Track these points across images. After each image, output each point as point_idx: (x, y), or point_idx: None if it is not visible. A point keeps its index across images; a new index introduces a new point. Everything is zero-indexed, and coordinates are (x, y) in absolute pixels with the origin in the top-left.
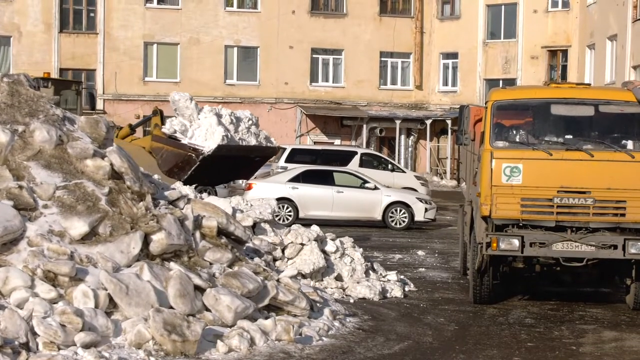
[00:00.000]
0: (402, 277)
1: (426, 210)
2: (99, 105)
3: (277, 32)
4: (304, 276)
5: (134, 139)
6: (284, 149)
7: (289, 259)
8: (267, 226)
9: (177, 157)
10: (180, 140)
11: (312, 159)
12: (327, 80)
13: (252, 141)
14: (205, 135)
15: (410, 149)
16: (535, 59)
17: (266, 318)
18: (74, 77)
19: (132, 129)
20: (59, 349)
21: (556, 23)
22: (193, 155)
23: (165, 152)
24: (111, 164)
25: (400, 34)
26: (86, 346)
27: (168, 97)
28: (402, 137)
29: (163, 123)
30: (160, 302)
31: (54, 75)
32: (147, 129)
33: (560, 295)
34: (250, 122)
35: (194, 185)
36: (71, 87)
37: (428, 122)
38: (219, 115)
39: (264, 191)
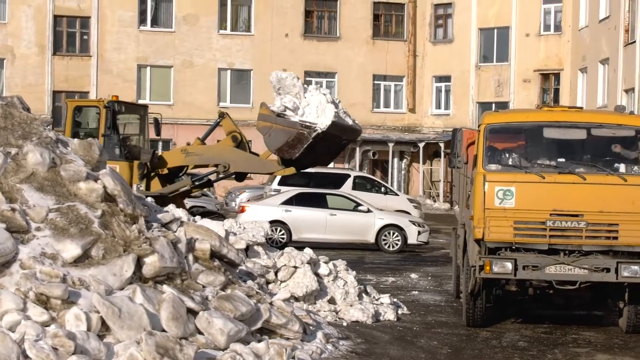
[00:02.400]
0: (395, 300)
1: (419, 233)
2: None
3: (271, 55)
4: (296, 299)
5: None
6: None
7: (282, 281)
8: (260, 249)
9: (288, 135)
10: (289, 118)
11: (305, 181)
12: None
13: (349, 121)
14: (316, 112)
15: (403, 172)
16: (527, 82)
17: (259, 341)
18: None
19: (202, 140)
20: None
21: (548, 47)
22: (305, 132)
23: (274, 130)
24: (104, 187)
25: (393, 57)
26: None
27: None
28: (395, 159)
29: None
30: (153, 325)
31: (47, 98)
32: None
33: (554, 318)
34: (341, 103)
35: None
36: (140, 112)
37: (421, 145)
38: (324, 94)
39: (257, 214)
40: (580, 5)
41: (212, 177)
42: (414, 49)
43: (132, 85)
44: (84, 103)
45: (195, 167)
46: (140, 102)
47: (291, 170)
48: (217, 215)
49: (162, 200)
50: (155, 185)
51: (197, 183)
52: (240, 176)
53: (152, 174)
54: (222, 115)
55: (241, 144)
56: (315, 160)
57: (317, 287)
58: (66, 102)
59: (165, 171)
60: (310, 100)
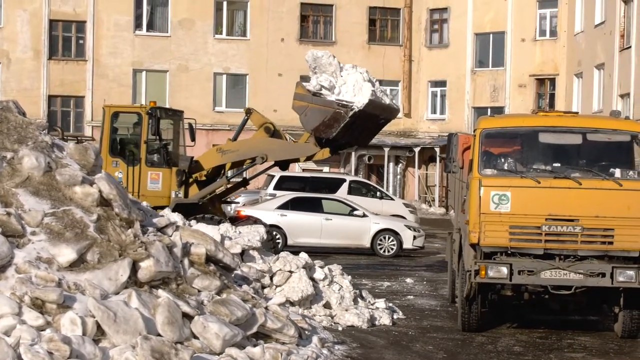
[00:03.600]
0: (390, 304)
1: (415, 237)
2: (88, 132)
3: (266, 60)
4: (292, 304)
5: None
6: (273, 176)
7: (277, 286)
8: (255, 253)
9: (324, 114)
10: (326, 97)
11: (300, 186)
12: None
13: (387, 100)
14: (353, 90)
15: (398, 177)
16: (523, 87)
17: (254, 346)
18: (63, 104)
19: (234, 139)
20: None
21: (544, 52)
22: (342, 111)
23: (310, 110)
24: (100, 191)
25: (389, 62)
26: None
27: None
28: (391, 164)
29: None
30: (149, 330)
31: (42, 102)
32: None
33: (549, 323)
34: (378, 82)
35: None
36: (175, 118)
37: (416, 149)
38: (361, 73)
39: None
40: (576, 11)
41: (250, 172)
42: (410, 53)
43: (127, 89)
44: (123, 109)
45: (232, 167)
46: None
47: (326, 152)
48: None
49: (201, 208)
50: (194, 192)
51: (232, 180)
52: (283, 164)
53: (190, 180)
54: (248, 111)
55: (275, 133)
56: (351, 140)
57: (312, 291)
58: (104, 107)
59: (203, 178)
60: (346, 78)
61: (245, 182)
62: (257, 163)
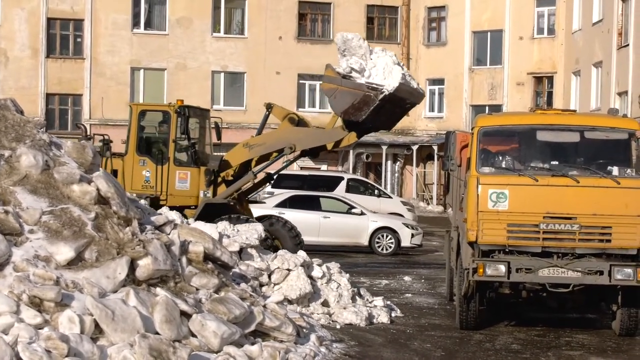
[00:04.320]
0: (388, 302)
1: (413, 235)
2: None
3: (264, 58)
4: (290, 302)
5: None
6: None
7: (275, 284)
8: (253, 251)
9: (354, 96)
10: (355, 80)
11: (298, 184)
12: (314, 106)
13: (414, 84)
14: (383, 74)
15: (396, 175)
16: (521, 86)
17: (252, 344)
18: (60, 102)
19: (260, 128)
20: None
21: (542, 50)
22: (372, 94)
23: (339, 92)
24: (97, 189)
25: None
26: None
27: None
28: (389, 162)
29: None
30: (146, 328)
31: (40, 100)
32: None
33: (547, 321)
34: (405, 67)
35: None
36: (202, 116)
37: (414, 147)
38: (390, 56)
39: None
40: (574, 9)
41: (273, 168)
42: (408, 51)
43: (125, 88)
44: (150, 107)
45: (258, 162)
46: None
47: (353, 137)
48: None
49: (230, 208)
50: (222, 191)
51: (258, 173)
52: (313, 153)
53: (219, 179)
54: (269, 106)
55: (300, 122)
56: (378, 124)
57: (310, 289)
58: (131, 106)
59: (230, 177)
60: (376, 61)
61: (270, 178)
62: (285, 154)
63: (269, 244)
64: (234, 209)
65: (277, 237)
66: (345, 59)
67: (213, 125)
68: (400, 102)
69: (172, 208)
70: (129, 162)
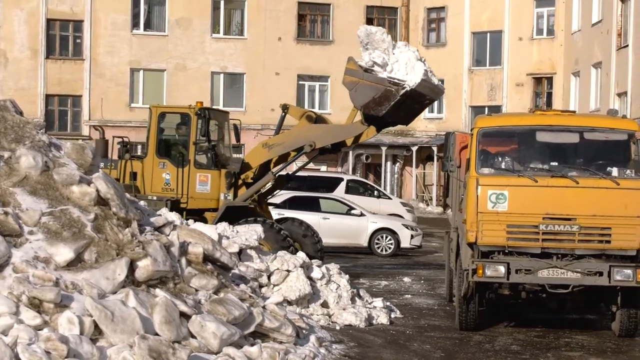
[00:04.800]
0: (388, 303)
1: (412, 236)
2: (85, 131)
3: (264, 59)
4: (289, 303)
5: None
6: None
7: (274, 285)
8: (253, 252)
9: (375, 91)
10: (377, 74)
11: (298, 185)
12: (313, 107)
13: (435, 80)
14: (405, 69)
15: (396, 176)
16: (520, 86)
17: (252, 345)
18: (60, 103)
19: (277, 130)
20: None
21: (541, 50)
22: (393, 89)
23: (360, 86)
24: (97, 190)
25: None
26: None
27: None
28: (388, 163)
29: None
30: (146, 329)
31: (40, 101)
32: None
33: (546, 322)
34: (427, 62)
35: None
36: (221, 118)
37: (414, 148)
38: (413, 51)
39: None
40: (573, 9)
41: (289, 168)
42: None
43: (125, 89)
44: (170, 109)
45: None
46: (134, 105)
47: (372, 131)
48: None
49: (251, 211)
50: (243, 193)
51: (278, 174)
52: (333, 149)
53: (239, 181)
54: (285, 107)
55: (318, 119)
56: (397, 119)
57: (310, 290)
58: (150, 107)
59: (250, 179)
60: (399, 56)
61: (288, 179)
62: (305, 152)
63: (289, 243)
64: (254, 212)
65: (297, 240)
66: (368, 52)
67: (232, 127)
68: (420, 97)
69: (192, 211)
70: (148, 165)
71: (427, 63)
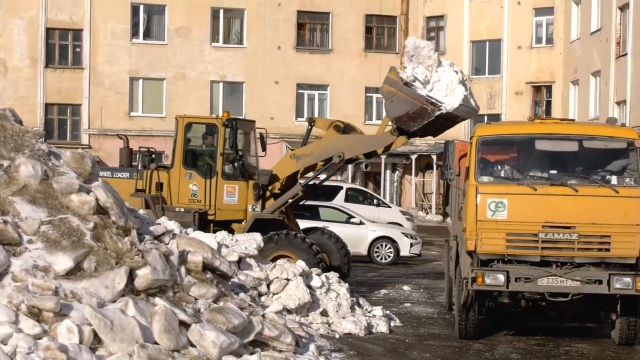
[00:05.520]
0: (387, 312)
1: (412, 245)
2: (84, 140)
3: (263, 68)
4: (289, 311)
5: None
6: None
7: (274, 294)
8: (252, 261)
9: (411, 106)
10: (416, 90)
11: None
12: (312, 116)
13: (473, 103)
14: (445, 90)
15: (395, 184)
16: (519, 95)
17: (251, 354)
18: (59, 112)
19: (304, 144)
20: None
21: (540, 59)
22: (429, 108)
23: (397, 98)
24: (96, 199)
25: (386, 70)
26: None
27: (153, 132)
28: (388, 172)
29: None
30: (145, 338)
31: (39, 110)
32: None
33: (546, 330)
34: (468, 84)
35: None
36: (247, 128)
37: (413, 157)
38: (456, 72)
39: None
40: (572, 18)
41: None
42: None
43: (124, 97)
44: (197, 120)
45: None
46: (133, 114)
47: (402, 140)
48: None
49: (279, 223)
50: (270, 205)
51: (306, 184)
52: (367, 157)
53: (267, 193)
54: (311, 120)
55: (346, 128)
56: (426, 132)
57: (309, 299)
58: (177, 118)
59: (277, 190)
60: (441, 76)
61: (315, 189)
62: (334, 162)
63: (320, 260)
64: (282, 223)
65: (325, 250)
66: (412, 65)
67: (258, 137)
68: (454, 118)
69: (219, 223)
70: (175, 176)
71: (468, 85)
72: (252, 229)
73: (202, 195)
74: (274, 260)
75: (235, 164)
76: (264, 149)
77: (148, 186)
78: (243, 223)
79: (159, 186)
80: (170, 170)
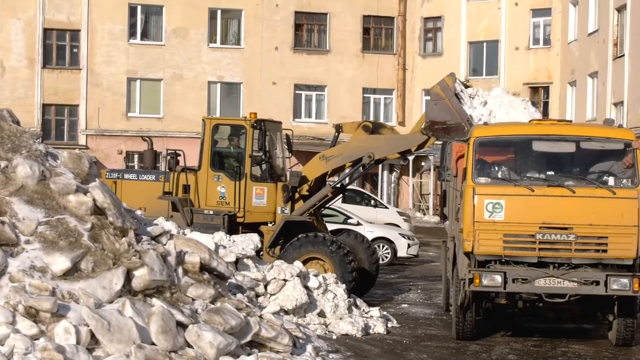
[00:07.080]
0: (384, 313)
1: (409, 246)
2: (82, 140)
3: (260, 68)
4: (286, 312)
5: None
6: None
7: (271, 295)
8: (249, 262)
9: (450, 117)
10: (464, 105)
11: None
12: (310, 116)
13: None
14: (487, 116)
15: (392, 185)
16: (517, 96)
17: (249, 354)
18: (57, 112)
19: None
20: None
21: (537, 60)
22: (466, 128)
23: (442, 103)
24: (94, 200)
25: (383, 71)
26: None
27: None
28: (385, 173)
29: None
30: (142, 339)
31: (36, 111)
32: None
33: (543, 331)
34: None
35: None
36: (274, 129)
37: (410, 158)
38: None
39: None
40: (569, 19)
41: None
42: (404, 62)
43: (121, 98)
44: (225, 121)
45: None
46: (130, 115)
47: (433, 139)
48: None
49: (309, 225)
50: (299, 206)
51: (336, 186)
52: (401, 155)
53: (297, 195)
54: (338, 127)
55: (375, 127)
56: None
57: (306, 300)
58: (204, 119)
59: (306, 192)
60: (488, 99)
61: (343, 189)
62: (364, 163)
63: (350, 261)
64: (312, 225)
65: (353, 252)
66: (466, 80)
67: (284, 138)
68: None
69: (248, 225)
70: (202, 178)
71: (513, 113)
72: (281, 231)
73: (231, 197)
74: (304, 262)
75: (264, 166)
76: (290, 150)
77: (175, 189)
78: (271, 225)
79: (186, 188)
80: (197, 172)
